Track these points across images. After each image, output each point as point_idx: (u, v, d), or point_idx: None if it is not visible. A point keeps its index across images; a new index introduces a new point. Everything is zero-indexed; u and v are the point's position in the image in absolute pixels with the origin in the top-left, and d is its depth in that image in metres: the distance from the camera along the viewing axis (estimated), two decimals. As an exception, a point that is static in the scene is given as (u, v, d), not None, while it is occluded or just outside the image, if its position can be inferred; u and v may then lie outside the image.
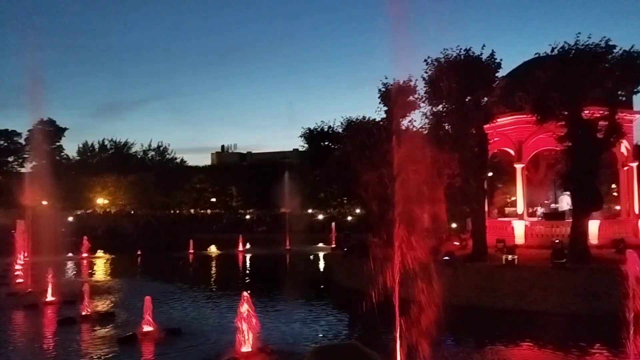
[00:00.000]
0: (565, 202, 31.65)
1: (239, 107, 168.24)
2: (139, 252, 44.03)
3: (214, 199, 73.15)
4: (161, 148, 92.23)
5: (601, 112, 22.21)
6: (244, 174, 72.62)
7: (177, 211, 74.96)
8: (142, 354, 15.17)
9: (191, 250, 44.85)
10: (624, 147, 27.11)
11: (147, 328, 16.64)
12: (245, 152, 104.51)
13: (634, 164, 27.68)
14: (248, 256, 43.58)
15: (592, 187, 21.73)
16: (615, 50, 21.29)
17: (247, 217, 72.18)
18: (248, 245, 47.70)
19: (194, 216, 73.81)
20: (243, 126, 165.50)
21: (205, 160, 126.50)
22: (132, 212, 74.71)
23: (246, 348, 14.13)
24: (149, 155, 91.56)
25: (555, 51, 21.57)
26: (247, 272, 36.65)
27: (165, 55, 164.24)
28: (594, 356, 14.13)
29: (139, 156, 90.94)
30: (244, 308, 14.31)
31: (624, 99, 25.10)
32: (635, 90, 23.44)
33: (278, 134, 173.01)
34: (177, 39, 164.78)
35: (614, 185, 38.05)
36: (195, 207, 75.03)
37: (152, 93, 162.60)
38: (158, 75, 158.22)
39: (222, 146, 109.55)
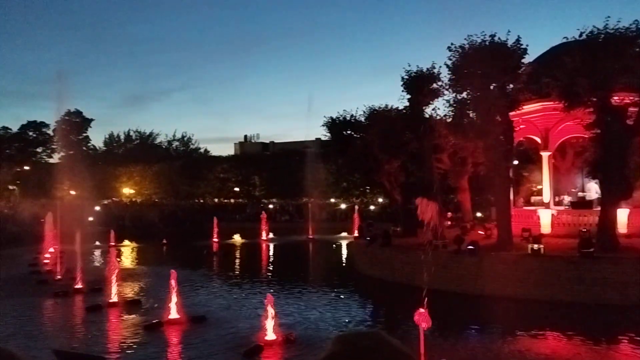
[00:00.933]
0: (594, 190, 31.01)
1: (261, 97, 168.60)
2: (164, 241, 44.64)
3: (237, 189, 73.66)
4: (185, 138, 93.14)
5: (631, 98, 21.64)
6: (267, 164, 72.88)
7: (202, 200, 75.71)
8: (168, 340, 15.42)
9: (215, 239, 45.32)
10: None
11: (173, 315, 16.90)
12: (267, 141, 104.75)
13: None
14: (272, 245, 43.86)
15: (621, 175, 21.22)
16: (646, 35, 20.68)
17: (270, 206, 72.62)
18: (271, 235, 47.99)
19: (218, 205, 74.51)
20: (265, 116, 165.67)
21: (228, 150, 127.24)
22: (157, 201, 75.72)
23: (270, 336, 14.24)
24: (174, 145, 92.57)
25: (584, 36, 21.05)
26: (271, 260, 36.92)
27: (189, 46, 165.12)
28: (622, 345, 13.89)
29: (164, 146, 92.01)
30: (267, 297, 14.44)
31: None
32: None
33: (300, 123, 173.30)
34: (201, 30, 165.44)
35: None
36: (218, 197, 75.67)
37: (176, 84, 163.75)
38: (182, 66, 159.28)
39: (245, 136, 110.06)
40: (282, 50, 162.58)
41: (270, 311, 14.30)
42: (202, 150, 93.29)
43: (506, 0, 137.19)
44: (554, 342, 14.68)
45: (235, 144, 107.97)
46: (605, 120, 21.16)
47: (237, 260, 37.62)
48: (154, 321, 16.81)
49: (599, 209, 23.16)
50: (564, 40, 22.50)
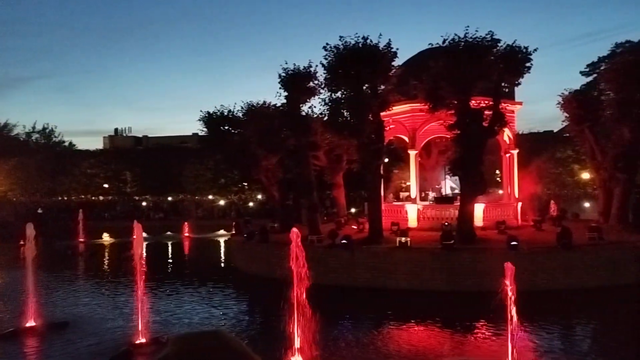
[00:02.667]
0: (448, 186, 33.69)
1: (134, 88, 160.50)
2: (21, 242, 40.73)
3: (106, 185, 69.49)
4: (47, 130, 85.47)
5: (486, 102, 23.79)
6: (140, 159, 69.58)
7: (66, 198, 70.39)
8: (24, 352, 14.08)
9: (82, 239, 42.31)
10: (507, 135, 29.21)
11: (30, 323, 15.50)
12: (140, 135, 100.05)
13: (515, 151, 29.95)
14: (144, 244, 41.84)
15: (478, 172, 23.22)
16: (499, 44, 22.82)
17: (144, 203, 69.41)
18: (144, 234, 45.82)
19: (85, 203, 69.72)
20: (138, 108, 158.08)
21: (97, 144, 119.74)
22: (15, 199, 68.97)
23: (140, 339, 13.61)
24: (33, 138, 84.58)
25: (447, 43, 22.68)
26: (143, 260, 35.16)
27: (52, 30, 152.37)
28: (479, 331, 15.20)
29: (22, 139, 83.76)
30: (138, 298, 13.77)
31: (507, 90, 27.08)
32: (517, 82, 25.29)
33: (176, 117, 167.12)
34: (65, 14, 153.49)
35: (497, 171, 40.92)
36: (86, 194, 70.81)
37: (37, 71, 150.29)
38: (44, 52, 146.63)
39: (116, 129, 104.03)
40: (157, 40, 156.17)
41: (141, 313, 13.67)
42: (66, 144, 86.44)
43: (378, 4, 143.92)
44: (420, 331, 15.66)
45: (104, 137, 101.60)
46: (464, 122, 23.00)
47: (106, 261, 35.48)
48: (7, 330, 15.30)
49: (459, 203, 25.11)
50: (430, 46, 24.07)
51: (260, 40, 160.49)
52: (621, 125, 27.81)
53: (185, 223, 47.06)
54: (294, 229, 11.83)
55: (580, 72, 72.24)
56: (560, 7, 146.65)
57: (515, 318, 10.44)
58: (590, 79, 68.02)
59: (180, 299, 20.62)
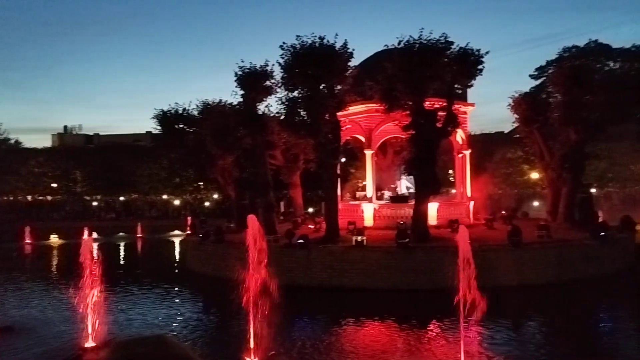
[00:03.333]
0: (403, 186, 34.18)
1: (85, 85, 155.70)
2: (-39, 245, 38.88)
3: (55, 184, 67.10)
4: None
5: (440, 103, 24.25)
6: (91, 158, 67.49)
7: (12, 198, 67.59)
8: (-35, 358, 13.44)
9: (28, 241, 40.73)
10: (460, 136, 29.88)
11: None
12: (92, 133, 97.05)
13: (467, 152, 30.68)
14: (95, 245, 40.68)
15: (431, 172, 23.66)
16: (452, 47, 23.29)
17: (95, 203, 67.43)
18: (95, 234, 44.54)
19: (32, 203, 67.14)
20: (89, 106, 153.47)
21: (45, 141, 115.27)
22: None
23: (90, 342, 13.19)
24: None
25: (402, 44, 22.99)
26: (94, 262, 34.13)
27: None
28: (433, 329, 15.47)
29: (-38, 136, 79.89)
30: (89, 300, 13.34)
31: (460, 92, 27.69)
32: (470, 84, 25.90)
33: (130, 115, 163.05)
34: (12, 6, 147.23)
35: (450, 171, 41.80)
36: (33, 194, 68.17)
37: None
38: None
39: (65, 127, 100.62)
40: (110, 36, 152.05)
41: (91, 316, 13.24)
42: (12, 142, 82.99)
43: (335, 5, 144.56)
44: (375, 329, 15.83)
45: (53, 135, 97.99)
46: (418, 123, 23.38)
47: (54, 263, 34.27)
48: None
49: (413, 203, 25.50)
50: (385, 47, 24.33)
51: (216, 38, 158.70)
52: (568, 127, 28.89)
53: (139, 223, 46.00)
54: (253, 225, 11.67)
55: (530, 76, 74.83)
56: (510, 12, 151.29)
57: (468, 315, 10.67)
58: (539, 82, 70.58)
59: (133, 301, 20.13)
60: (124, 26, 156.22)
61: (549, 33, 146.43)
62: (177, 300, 20.62)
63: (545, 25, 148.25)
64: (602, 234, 23.60)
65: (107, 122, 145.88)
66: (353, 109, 27.29)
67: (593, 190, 34.50)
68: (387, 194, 32.89)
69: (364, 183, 34.63)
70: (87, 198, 67.69)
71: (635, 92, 31.19)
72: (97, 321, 13.42)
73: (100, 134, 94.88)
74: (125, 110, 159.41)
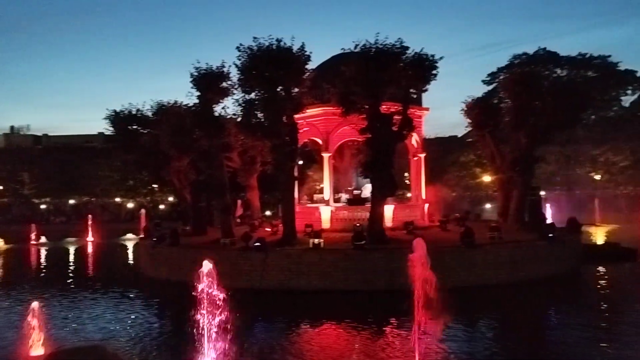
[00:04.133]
0: (369, 189, 34.46)
1: (34, 84, 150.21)
2: None
3: (0, 187, 64.45)
4: None
5: (396, 107, 24.61)
6: (39, 159, 65.21)
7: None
8: None
9: (-30, 246, 38.91)
10: (415, 139, 30.38)
11: None
12: (40, 134, 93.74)
13: (422, 155, 31.22)
14: (43, 249, 39.27)
15: (387, 175, 23.96)
16: (408, 52, 23.68)
17: (43, 206, 65.06)
18: (44, 238, 43.05)
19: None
20: (38, 105, 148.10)
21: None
22: None
23: (38, 350, 12.69)
24: None
25: (358, 48, 23.20)
26: (42, 267, 32.97)
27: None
28: (388, 328, 15.65)
29: None
30: (35, 305, 12.83)
31: (415, 96, 28.19)
32: (424, 88, 26.38)
33: (81, 115, 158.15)
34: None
35: (406, 174, 42.45)
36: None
37: None
38: None
39: (12, 127, 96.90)
40: (60, 34, 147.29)
41: (36, 323, 12.73)
42: (-46, 142, 79.36)
43: (292, 6, 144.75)
44: (332, 331, 15.86)
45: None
46: (375, 126, 23.65)
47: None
48: None
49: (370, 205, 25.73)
50: (342, 51, 24.51)
51: (170, 38, 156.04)
52: (518, 132, 29.81)
53: (90, 227, 44.67)
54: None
55: (482, 81, 76.95)
56: (463, 19, 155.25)
57: (423, 316, 10.85)
58: (491, 87, 72.59)
59: (84, 307, 19.52)
60: (74, 24, 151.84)
61: (501, 40, 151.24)
62: (129, 306, 20.10)
63: (497, 33, 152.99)
64: (551, 235, 24.46)
65: (57, 123, 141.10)
66: (310, 111, 27.36)
67: (542, 193, 35.68)
68: (344, 196, 33.07)
69: (321, 186, 34.73)
70: (36, 201, 65.27)
71: (582, 98, 32.46)
72: (45, 329, 12.93)
73: (50, 134, 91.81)
74: (76, 110, 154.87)
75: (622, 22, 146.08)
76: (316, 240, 22.19)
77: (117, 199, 64.67)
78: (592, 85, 64.91)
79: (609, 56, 73.93)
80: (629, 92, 76.32)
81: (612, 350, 13.48)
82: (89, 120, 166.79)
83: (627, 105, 76.69)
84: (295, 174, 26.23)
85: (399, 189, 31.02)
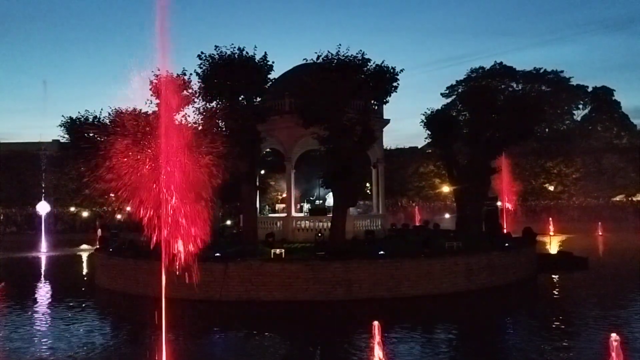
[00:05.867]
0: (331, 199, 34.58)
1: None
2: None
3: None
4: None
5: (357, 118, 24.83)
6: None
7: None
8: None
9: None
10: (375, 150, 30.71)
11: None
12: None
13: (383, 166, 31.59)
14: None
15: (348, 185, 24.11)
16: (369, 64, 24.00)
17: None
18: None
19: None
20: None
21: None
22: None
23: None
24: None
25: (320, 60, 23.39)
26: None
27: None
28: (345, 338, 15.68)
29: None
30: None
31: (376, 107, 28.57)
32: (385, 100, 26.74)
33: (34, 122, 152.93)
34: None
35: (368, 184, 42.86)
36: None
37: None
38: None
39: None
40: (8, 35, 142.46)
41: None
42: None
43: (253, 16, 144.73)
44: (289, 342, 15.74)
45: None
46: (336, 137, 23.81)
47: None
48: None
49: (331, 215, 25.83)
50: (304, 61, 24.66)
51: (128, 43, 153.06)
52: (474, 143, 30.56)
53: (42, 237, 43.19)
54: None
55: (441, 94, 78.82)
56: (422, 33, 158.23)
57: (379, 324, 10.91)
58: (449, 100, 74.41)
59: (34, 321, 18.81)
60: (23, 25, 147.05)
61: (458, 54, 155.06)
62: (83, 320, 19.44)
63: (455, 47, 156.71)
64: (506, 244, 25.10)
65: (8, 129, 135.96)
66: (272, 121, 27.33)
67: (498, 203, 36.64)
68: (305, 206, 33.12)
69: (283, 195, 34.68)
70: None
71: (536, 112, 33.60)
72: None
73: (1, 141, 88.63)
74: (28, 116, 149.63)
75: (574, 40, 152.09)
76: (277, 251, 22.08)
77: (72, 209, 62.85)
78: (545, 99, 67.34)
79: (562, 71, 77.02)
80: (581, 106, 79.53)
81: (563, 353, 13.95)
82: (43, 127, 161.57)
83: (578, 119, 79.85)
84: (257, 183, 26.12)
85: (360, 199, 31.27)
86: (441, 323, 18.35)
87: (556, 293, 24.03)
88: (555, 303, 21.76)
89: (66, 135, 31.90)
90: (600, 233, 47.40)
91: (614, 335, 8.48)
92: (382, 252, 21.75)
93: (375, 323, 10.59)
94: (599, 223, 48.35)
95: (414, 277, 21.63)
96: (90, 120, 31.39)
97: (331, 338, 15.74)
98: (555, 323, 17.73)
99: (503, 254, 24.51)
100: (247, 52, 23.43)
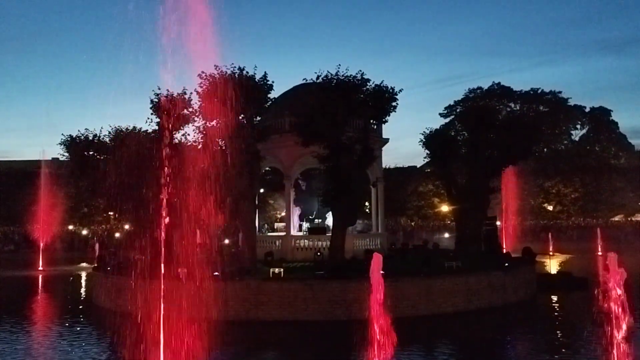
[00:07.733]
0: (331, 218, 34.57)
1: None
2: None
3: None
4: None
5: (357, 137, 24.96)
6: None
7: None
8: None
9: None
10: (375, 169, 30.81)
11: None
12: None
13: (382, 185, 31.63)
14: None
15: (348, 204, 24.14)
16: (369, 84, 24.21)
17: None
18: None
19: None
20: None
21: None
22: None
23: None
24: None
25: (320, 79, 23.60)
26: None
27: None
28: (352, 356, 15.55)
29: None
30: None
31: (375, 127, 28.72)
32: (384, 120, 26.89)
33: (33, 140, 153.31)
34: None
35: (367, 203, 42.86)
36: None
37: None
38: None
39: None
40: (8, 54, 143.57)
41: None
42: None
43: (255, 36, 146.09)
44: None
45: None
46: (336, 156, 23.90)
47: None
48: None
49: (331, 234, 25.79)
50: (304, 81, 24.85)
51: (129, 62, 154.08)
52: (473, 163, 30.66)
53: (40, 255, 42.95)
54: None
55: (440, 114, 79.13)
56: (421, 53, 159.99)
57: (381, 345, 10.85)
58: (448, 120, 74.67)
59: (31, 341, 18.61)
60: (26, 45, 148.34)
61: (457, 74, 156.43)
62: (81, 339, 19.28)
63: (454, 68, 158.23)
64: (506, 264, 25.01)
65: (7, 147, 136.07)
66: (273, 139, 27.43)
67: (497, 223, 36.64)
68: (305, 225, 33.08)
69: (282, 214, 34.66)
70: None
71: (534, 132, 33.81)
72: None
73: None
74: (27, 134, 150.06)
75: (571, 61, 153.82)
76: (276, 270, 21.99)
77: (70, 227, 62.67)
78: (543, 119, 67.67)
79: (560, 92, 77.39)
80: (578, 126, 79.80)
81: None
82: (41, 145, 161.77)
83: (576, 139, 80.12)
84: (256, 202, 26.13)
85: (359, 218, 31.27)
86: (441, 343, 18.21)
87: (556, 313, 23.88)
88: (555, 322, 21.61)
89: (66, 154, 32.02)
90: (599, 253, 47.31)
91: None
92: (382, 272, 21.60)
93: (375, 343, 10.53)
94: (599, 243, 48.21)
95: (413, 296, 21.52)
96: (91, 138, 31.59)
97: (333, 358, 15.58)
98: (555, 343, 17.61)
99: (503, 273, 24.41)
100: (247, 72, 23.63)
